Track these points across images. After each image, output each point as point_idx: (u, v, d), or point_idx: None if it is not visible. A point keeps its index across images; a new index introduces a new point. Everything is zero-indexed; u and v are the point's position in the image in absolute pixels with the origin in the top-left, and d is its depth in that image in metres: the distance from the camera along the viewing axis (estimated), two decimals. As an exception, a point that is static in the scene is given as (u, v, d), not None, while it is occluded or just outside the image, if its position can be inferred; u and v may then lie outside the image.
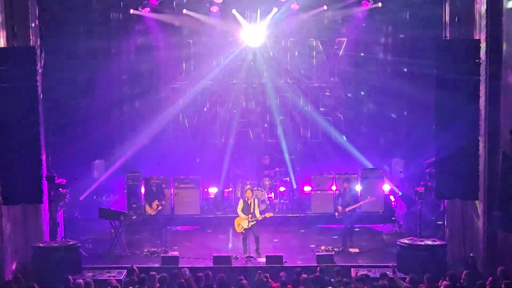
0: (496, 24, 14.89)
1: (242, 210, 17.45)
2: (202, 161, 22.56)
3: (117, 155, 22.15)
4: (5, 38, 15.78)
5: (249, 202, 17.47)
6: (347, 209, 17.98)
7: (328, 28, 22.52)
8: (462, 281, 13.46)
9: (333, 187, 20.50)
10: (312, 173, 21.16)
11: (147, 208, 18.84)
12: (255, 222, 17.33)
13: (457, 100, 15.01)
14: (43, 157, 16.29)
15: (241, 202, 17.70)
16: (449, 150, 15.07)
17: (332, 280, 14.13)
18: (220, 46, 22.75)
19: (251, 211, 17.37)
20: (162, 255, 16.99)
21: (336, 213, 18.16)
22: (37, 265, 15.92)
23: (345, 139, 22.70)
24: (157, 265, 16.45)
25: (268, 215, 17.64)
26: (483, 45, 15.07)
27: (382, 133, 22.68)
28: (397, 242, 16.48)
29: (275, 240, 19.03)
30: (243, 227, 17.38)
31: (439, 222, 18.17)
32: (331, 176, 20.83)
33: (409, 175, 20.88)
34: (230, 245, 18.27)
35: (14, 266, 16.07)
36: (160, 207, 18.72)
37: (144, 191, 19.58)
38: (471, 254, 15.36)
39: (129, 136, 22.74)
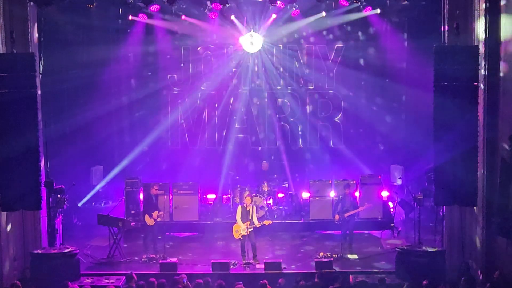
0: (495, 30, 14.91)
1: (241, 217, 17.44)
2: (201, 167, 22.58)
3: (116, 161, 22.19)
4: (4, 45, 15.81)
5: (247, 209, 17.46)
6: (345, 215, 18.00)
7: (326, 35, 22.58)
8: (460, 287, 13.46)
9: (332, 193, 20.48)
10: (311, 179, 21.15)
11: (147, 218, 18.28)
12: (253, 228, 17.33)
13: (455, 107, 14.99)
14: (42, 164, 16.29)
15: (239, 208, 17.68)
16: (447, 156, 15.04)
17: (331, 286, 14.12)
18: (219, 52, 22.82)
19: (250, 217, 17.37)
20: (160, 261, 16.95)
21: (335, 220, 18.18)
22: (35, 272, 15.86)
23: (343, 145, 22.74)
24: (155, 271, 16.42)
25: (266, 222, 17.62)
26: (481, 52, 15.09)
27: (381, 140, 22.71)
28: (396, 248, 16.50)
29: (275, 246, 19.03)
30: (241, 233, 17.38)
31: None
32: (330, 182, 20.81)
33: (407, 181, 20.88)
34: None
35: (12, 273, 16.05)
36: (159, 218, 18.33)
37: (144, 200, 19.27)
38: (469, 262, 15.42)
39: (128, 143, 22.79)
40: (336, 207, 18.44)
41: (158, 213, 18.25)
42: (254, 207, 17.83)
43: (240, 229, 17.37)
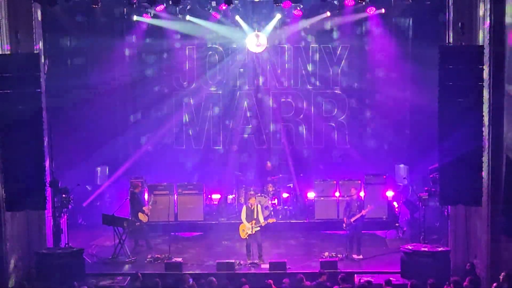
0: (499, 30, 14.87)
1: (246, 217, 17.47)
2: (206, 167, 22.59)
3: (121, 161, 22.19)
4: (9, 45, 15.83)
5: (252, 208, 17.49)
6: (352, 220, 17.83)
7: (331, 34, 22.57)
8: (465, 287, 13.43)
9: (337, 193, 20.44)
10: (316, 179, 21.14)
11: (141, 216, 18.65)
12: (259, 228, 17.34)
13: (460, 106, 14.97)
14: (47, 164, 16.30)
15: (244, 208, 17.71)
16: (452, 156, 15.01)
17: (336, 287, 14.11)
18: (224, 52, 22.82)
19: (255, 217, 17.39)
20: (165, 261, 16.97)
21: (344, 225, 17.96)
22: (40, 272, 15.87)
23: (348, 145, 22.72)
24: (161, 271, 16.43)
25: (270, 220, 17.69)
26: (486, 51, 15.05)
27: (386, 139, 22.65)
28: (401, 248, 16.46)
29: (280, 246, 19.02)
30: (247, 233, 17.40)
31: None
32: (335, 182, 20.77)
33: (412, 181, 20.84)
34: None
35: (17, 273, 16.07)
36: (148, 211, 18.81)
37: (132, 200, 19.23)
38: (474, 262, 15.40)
39: (133, 143, 22.80)
40: (346, 211, 18.13)
41: (145, 207, 18.79)
42: (259, 206, 17.86)
43: (246, 228, 17.39)
